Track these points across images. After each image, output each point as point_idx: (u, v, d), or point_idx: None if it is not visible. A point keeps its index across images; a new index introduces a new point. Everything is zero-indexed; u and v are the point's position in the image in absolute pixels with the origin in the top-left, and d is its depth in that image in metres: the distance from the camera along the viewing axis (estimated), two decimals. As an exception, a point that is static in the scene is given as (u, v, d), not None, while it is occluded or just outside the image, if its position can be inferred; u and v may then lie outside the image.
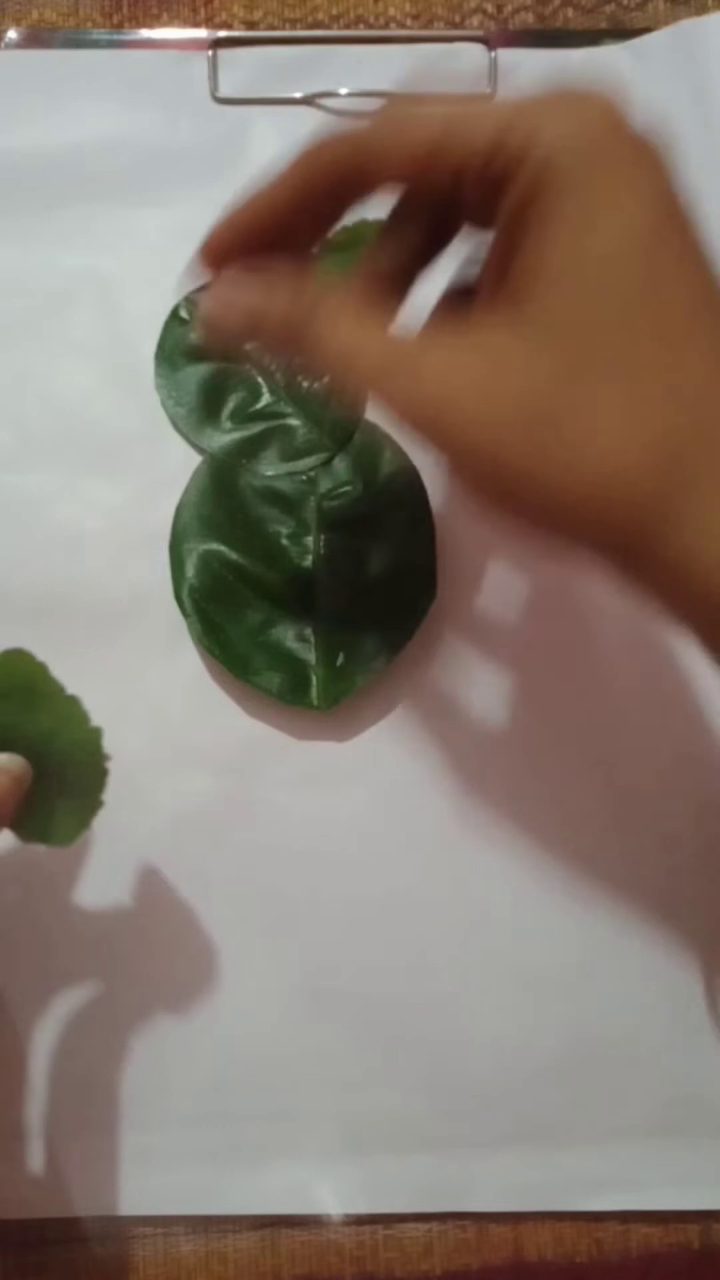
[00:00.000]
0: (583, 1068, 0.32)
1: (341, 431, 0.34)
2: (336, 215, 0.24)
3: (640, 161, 0.21)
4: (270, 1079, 0.32)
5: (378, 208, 0.25)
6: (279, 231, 0.24)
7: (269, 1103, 0.31)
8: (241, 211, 0.24)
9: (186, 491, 0.34)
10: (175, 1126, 0.31)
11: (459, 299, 0.25)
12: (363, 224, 0.28)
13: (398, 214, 0.25)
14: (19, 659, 0.27)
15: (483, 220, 0.23)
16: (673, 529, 0.20)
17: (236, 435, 0.34)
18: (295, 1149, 0.31)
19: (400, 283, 0.25)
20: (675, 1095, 0.32)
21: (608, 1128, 0.32)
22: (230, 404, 0.34)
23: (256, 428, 0.34)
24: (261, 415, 0.34)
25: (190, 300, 0.34)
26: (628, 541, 0.21)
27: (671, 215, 0.21)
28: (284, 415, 0.34)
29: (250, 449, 0.34)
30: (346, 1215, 0.31)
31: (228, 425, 0.34)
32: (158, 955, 0.32)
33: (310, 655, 0.33)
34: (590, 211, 0.20)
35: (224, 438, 0.34)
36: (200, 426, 0.34)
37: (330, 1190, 0.31)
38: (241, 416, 0.34)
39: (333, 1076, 0.32)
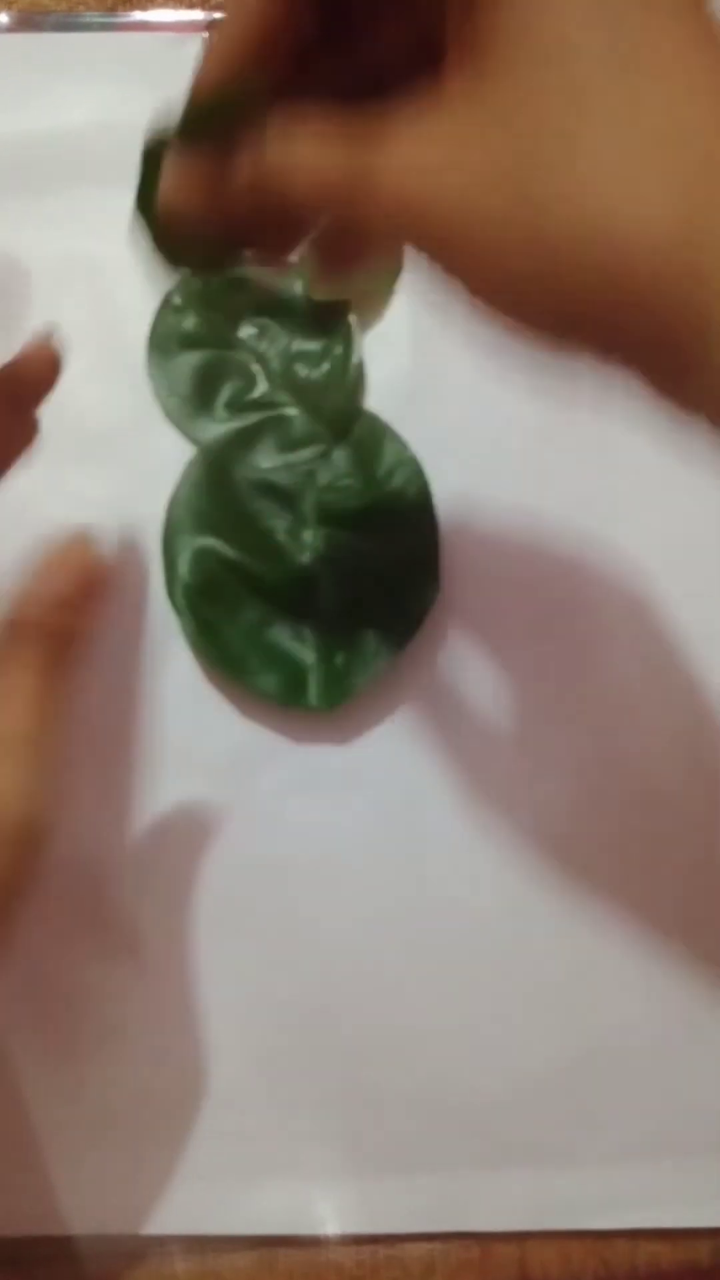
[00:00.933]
0: (588, 1083, 0.31)
1: (341, 421, 0.33)
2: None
3: None
4: (268, 1095, 0.31)
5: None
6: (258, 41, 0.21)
7: (266, 1120, 0.31)
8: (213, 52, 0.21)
9: (179, 485, 0.33)
10: (171, 1143, 0.31)
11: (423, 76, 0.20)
12: None
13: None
14: None
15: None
16: (715, 293, 0.17)
17: (231, 425, 0.33)
18: (294, 1168, 0.31)
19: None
20: (682, 1111, 0.31)
21: (613, 1145, 0.31)
22: (225, 393, 0.34)
23: (252, 418, 0.33)
24: (257, 405, 0.34)
25: (185, 288, 0.34)
26: (664, 317, 0.17)
27: None
28: (280, 405, 0.34)
29: (246, 440, 0.33)
30: (346, 1235, 0.31)
31: (222, 415, 0.33)
32: (152, 968, 0.31)
33: (309, 655, 0.32)
34: None
35: (218, 428, 0.33)
36: (194, 417, 0.33)
37: (330, 1210, 0.31)
38: (237, 406, 0.34)
39: (332, 1093, 0.31)
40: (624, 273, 0.17)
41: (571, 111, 0.17)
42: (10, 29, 0.36)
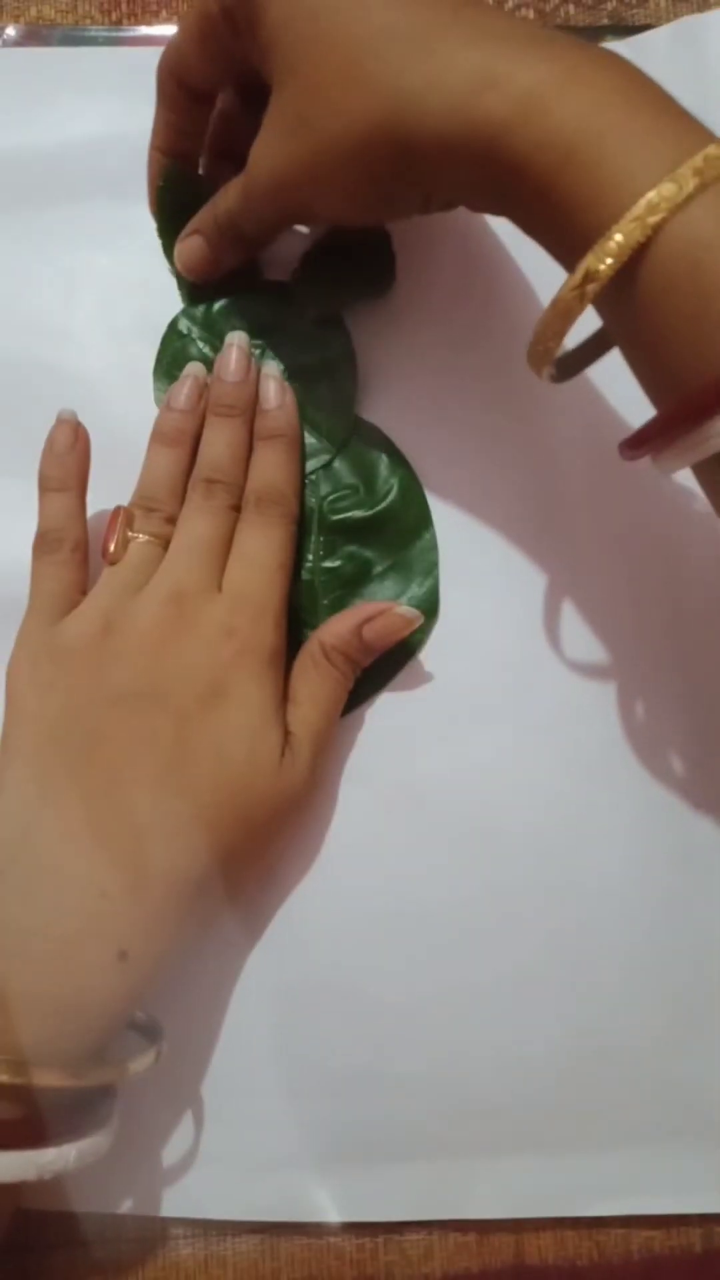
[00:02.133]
0: (583, 1073, 0.32)
1: (340, 434, 0.34)
2: (193, 99, 0.32)
3: None
4: (271, 1085, 0.31)
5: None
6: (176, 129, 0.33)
7: (269, 1109, 0.31)
8: (155, 136, 0.33)
9: None
10: (176, 1129, 0.31)
11: None
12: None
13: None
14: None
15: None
16: (409, 121, 0.25)
17: None
18: (296, 1156, 0.31)
19: None
20: (675, 1099, 0.32)
21: (608, 1132, 0.31)
22: None
23: None
24: None
25: (188, 314, 0.34)
26: (388, 157, 0.26)
27: None
28: None
29: None
30: (345, 1222, 0.31)
31: None
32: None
33: None
34: (293, 13, 0.27)
35: None
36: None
37: (330, 1198, 0.31)
38: None
39: (333, 1083, 0.31)
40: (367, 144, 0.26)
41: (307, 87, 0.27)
42: (16, 43, 0.36)
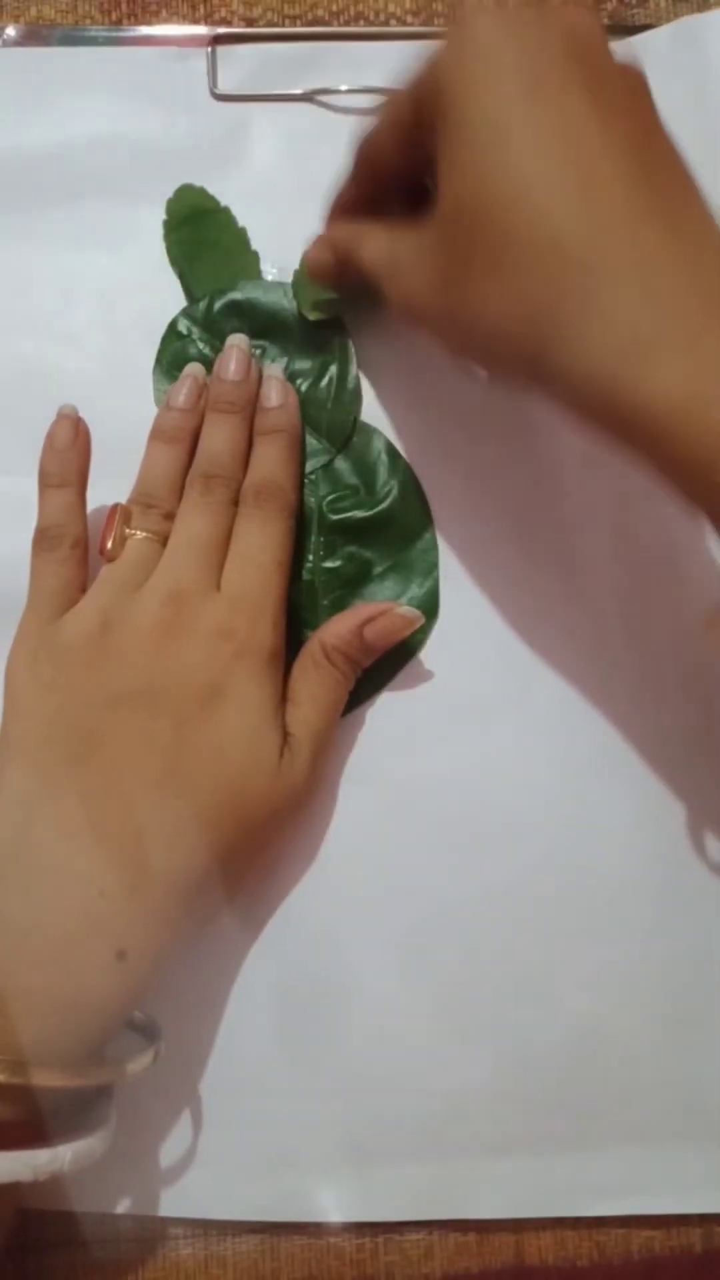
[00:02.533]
0: (583, 1072, 0.32)
1: (339, 433, 0.34)
2: (386, 183, 0.31)
3: (504, 50, 0.25)
4: (271, 1085, 0.31)
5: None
6: (362, 202, 0.32)
7: (268, 1108, 0.31)
8: (336, 198, 0.33)
9: None
10: (175, 1130, 0.31)
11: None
12: None
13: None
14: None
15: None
16: (550, 360, 0.25)
17: None
18: (295, 1156, 0.31)
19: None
20: (675, 1099, 0.32)
21: (608, 1132, 0.32)
22: None
23: None
24: None
25: (188, 313, 0.34)
26: (522, 369, 0.26)
27: (530, 94, 0.25)
28: None
29: None
30: (346, 1223, 0.31)
31: None
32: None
33: None
34: (462, 119, 0.25)
35: None
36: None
37: (330, 1198, 0.31)
38: None
39: (333, 1083, 0.31)
40: (498, 350, 0.26)
41: (475, 260, 0.25)
42: (17, 43, 0.36)
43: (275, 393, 0.32)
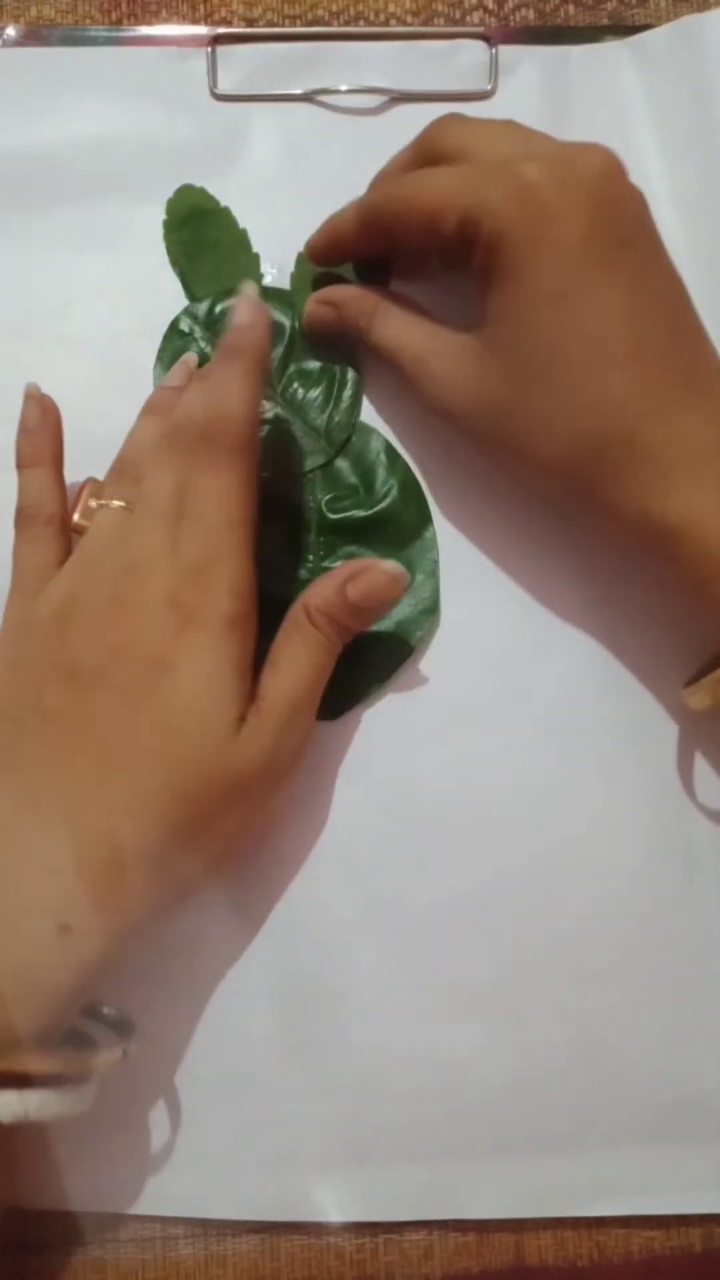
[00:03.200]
0: (583, 1072, 0.32)
1: (338, 434, 0.34)
2: (381, 249, 0.33)
3: (563, 218, 0.27)
4: (270, 1084, 0.31)
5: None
6: (348, 252, 0.34)
7: (268, 1108, 0.31)
8: (320, 234, 0.34)
9: None
10: (175, 1129, 0.31)
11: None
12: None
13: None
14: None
15: (460, 259, 0.30)
16: (594, 496, 0.29)
17: None
18: (295, 1156, 0.31)
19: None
20: (676, 1099, 0.32)
21: (608, 1133, 0.32)
22: None
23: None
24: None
25: (190, 313, 0.34)
26: (565, 499, 0.30)
27: (588, 261, 0.27)
28: (281, 420, 0.34)
29: None
30: (346, 1222, 0.31)
31: None
32: (156, 959, 0.32)
33: None
34: (524, 270, 0.28)
35: None
36: None
37: (330, 1198, 0.31)
38: None
39: (333, 1083, 0.31)
40: (546, 477, 0.30)
41: (532, 384, 0.28)
42: (17, 43, 0.36)
43: (244, 312, 0.30)
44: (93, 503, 0.31)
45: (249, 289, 0.31)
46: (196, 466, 0.28)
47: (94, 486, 0.31)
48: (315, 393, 0.34)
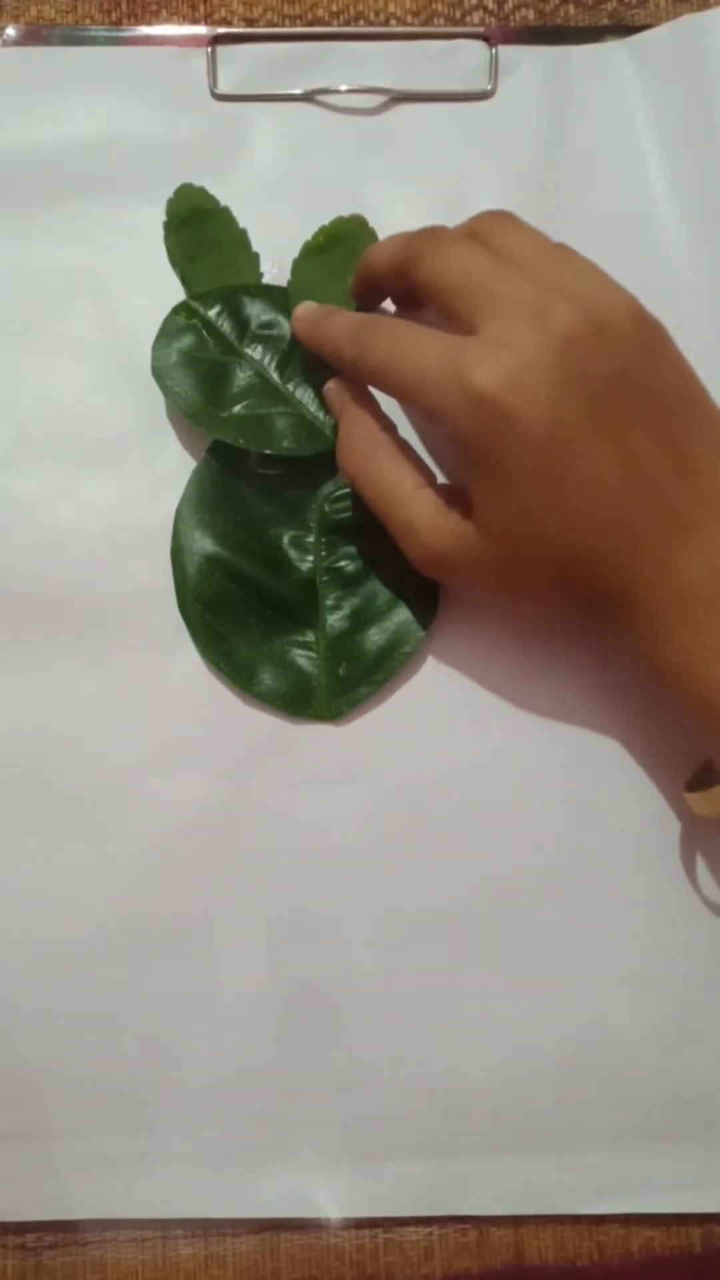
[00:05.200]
0: (583, 1071, 0.32)
1: (325, 439, 0.34)
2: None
3: (525, 417, 0.26)
4: (269, 1082, 0.31)
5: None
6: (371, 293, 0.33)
7: (268, 1106, 0.31)
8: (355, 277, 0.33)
9: (186, 492, 0.33)
10: (174, 1129, 0.31)
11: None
12: (339, 221, 0.35)
13: None
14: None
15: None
16: (595, 639, 0.30)
17: (236, 416, 0.33)
18: (294, 1153, 0.31)
19: None
20: (676, 1098, 0.32)
21: (608, 1131, 0.32)
22: (228, 392, 0.33)
23: (256, 411, 0.33)
24: (259, 404, 0.34)
25: (187, 307, 0.34)
26: (569, 639, 0.32)
27: (560, 444, 0.27)
28: (281, 404, 0.34)
29: (249, 430, 0.33)
30: (346, 1219, 0.31)
31: (226, 411, 0.33)
32: (156, 956, 0.32)
33: (313, 665, 0.33)
34: (494, 469, 0.27)
35: (224, 422, 0.33)
36: (202, 414, 0.33)
37: (329, 1194, 0.31)
38: (239, 404, 0.33)
39: (332, 1080, 0.31)
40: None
41: (526, 557, 0.28)
42: (17, 42, 0.36)
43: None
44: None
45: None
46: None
47: None
48: (315, 378, 0.34)
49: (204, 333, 0.34)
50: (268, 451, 0.33)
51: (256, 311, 0.34)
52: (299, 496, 0.34)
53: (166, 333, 0.34)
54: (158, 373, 0.33)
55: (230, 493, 0.33)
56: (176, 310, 0.34)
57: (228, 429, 0.33)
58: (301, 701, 0.33)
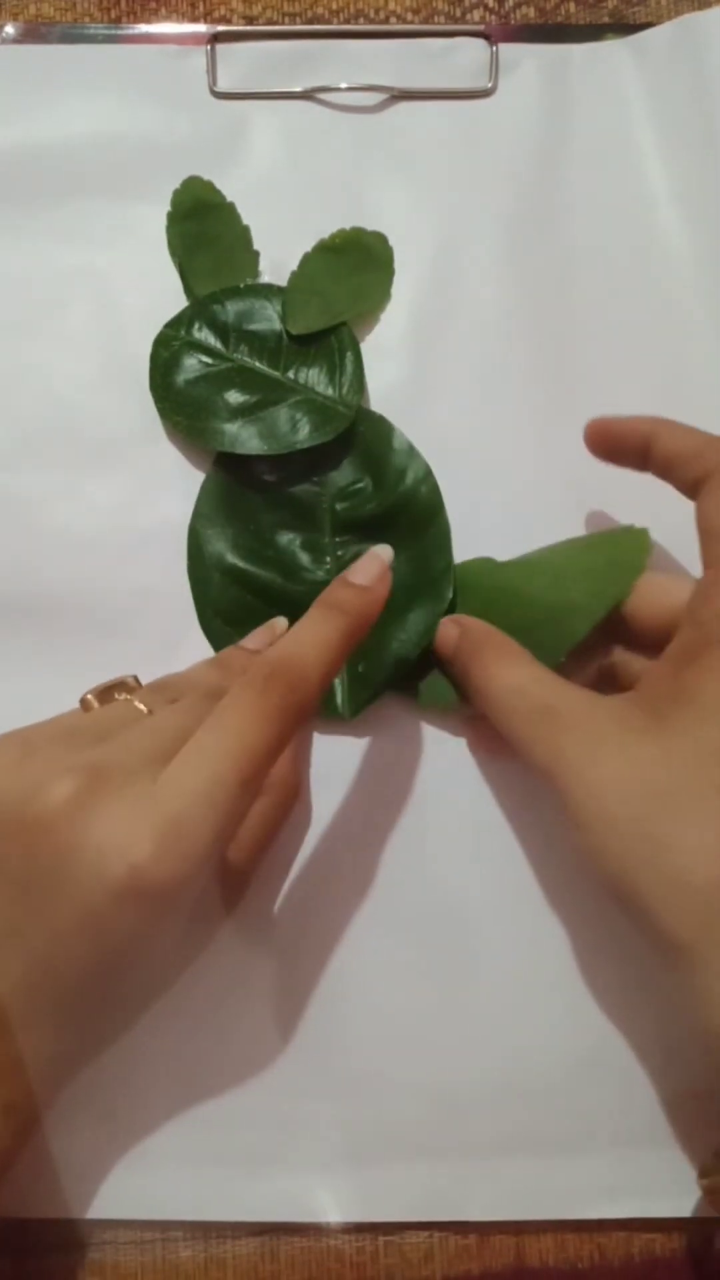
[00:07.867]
0: (584, 1074, 0.31)
1: (352, 397, 0.33)
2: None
3: None
4: (270, 1084, 0.31)
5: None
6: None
7: (269, 1109, 0.31)
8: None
9: (197, 508, 0.33)
10: (175, 1131, 0.31)
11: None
12: (359, 230, 0.35)
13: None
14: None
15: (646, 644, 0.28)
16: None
17: (239, 423, 0.33)
18: (295, 1156, 0.31)
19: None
20: (676, 1101, 0.32)
21: (610, 1135, 0.31)
22: (227, 398, 0.34)
23: (257, 408, 0.33)
24: (259, 403, 0.34)
25: (176, 322, 0.34)
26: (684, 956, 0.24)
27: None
28: (281, 399, 0.34)
29: (250, 421, 0.33)
30: (346, 1223, 0.31)
31: (226, 416, 0.33)
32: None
33: None
34: None
35: (226, 429, 0.33)
36: (202, 428, 0.33)
37: (330, 1198, 0.31)
38: (240, 408, 0.34)
39: (333, 1083, 0.31)
40: (676, 922, 0.24)
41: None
42: (16, 40, 0.36)
43: (369, 570, 0.27)
44: (119, 696, 0.28)
45: (385, 553, 0.29)
46: (234, 703, 0.24)
47: (128, 685, 0.28)
48: (317, 368, 0.34)
49: (191, 352, 0.34)
50: (297, 448, 0.33)
51: (233, 311, 0.34)
52: (308, 497, 0.34)
53: (157, 368, 0.34)
54: (164, 412, 0.33)
55: (240, 502, 0.34)
56: (157, 344, 0.34)
57: (249, 440, 0.33)
58: (325, 701, 0.32)
